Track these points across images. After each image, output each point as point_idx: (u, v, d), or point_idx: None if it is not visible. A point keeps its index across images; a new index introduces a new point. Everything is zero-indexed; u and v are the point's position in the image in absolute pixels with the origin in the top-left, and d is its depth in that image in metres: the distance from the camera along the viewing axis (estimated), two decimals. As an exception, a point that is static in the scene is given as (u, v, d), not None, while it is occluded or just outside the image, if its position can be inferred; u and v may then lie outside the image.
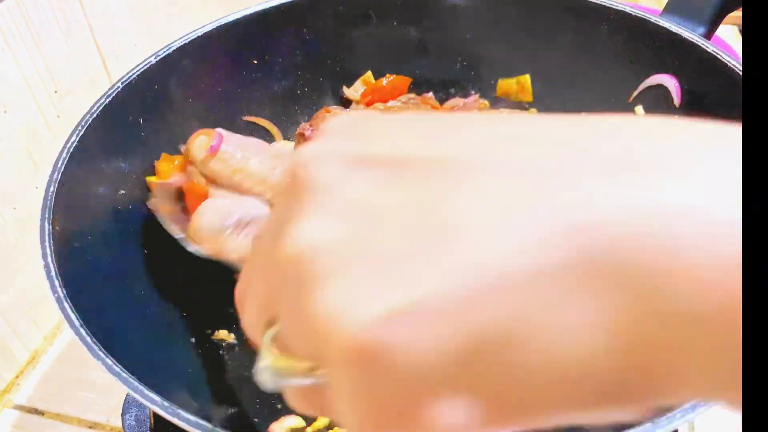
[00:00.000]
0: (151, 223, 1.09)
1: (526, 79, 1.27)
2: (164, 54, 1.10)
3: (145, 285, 0.99)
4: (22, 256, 1.16)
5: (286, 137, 1.31)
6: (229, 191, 1.00)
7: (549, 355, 0.27)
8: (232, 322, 1.04)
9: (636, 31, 1.12)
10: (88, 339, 0.73)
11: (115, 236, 0.99)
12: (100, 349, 0.72)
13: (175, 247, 1.11)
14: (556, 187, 0.27)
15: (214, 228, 0.96)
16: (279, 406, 0.92)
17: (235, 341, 1.03)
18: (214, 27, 1.16)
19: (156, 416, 0.87)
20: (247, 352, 1.00)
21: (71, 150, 0.94)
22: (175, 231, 1.00)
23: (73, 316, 0.75)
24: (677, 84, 1.09)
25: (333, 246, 0.29)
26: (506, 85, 1.29)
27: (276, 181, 0.98)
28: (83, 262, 0.89)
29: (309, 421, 0.89)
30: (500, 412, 0.29)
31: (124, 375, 0.70)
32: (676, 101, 1.09)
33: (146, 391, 0.69)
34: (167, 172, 1.11)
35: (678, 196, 0.26)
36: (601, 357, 0.27)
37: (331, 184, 0.31)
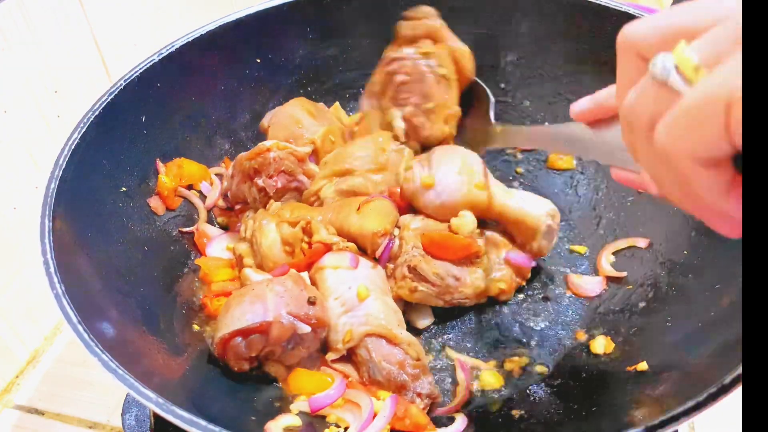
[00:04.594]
0: (151, 221, 1.09)
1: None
2: (167, 52, 1.10)
3: (144, 282, 0.99)
4: (23, 256, 1.16)
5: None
6: None
7: None
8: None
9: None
10: (86, 336, 0.73)
11: (116, 233, 0.99)
12: (97, 346, 0.72)
13: (175, 244, 1.11)
14: None
15: None
16: (276, 404, 0.92)
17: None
18: (217, 26, 1.16)
19: (156, 416, 0.87)
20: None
21: (73, 147, 0.94)
22: None
23: (71, 313, 0.75)
24: (680, 86, 1.08)
25: None
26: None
27: None
28: (83, 259, 0.89)
29: (305, 420, 0.89)
30: None
31: (121, 372, 0.70)
32: (679, 102, 1.08)
33: (142, 388, 0.69)
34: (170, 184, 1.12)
35: None
36: None
37: None
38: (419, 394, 0.91)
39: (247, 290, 0.95)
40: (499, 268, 1.05)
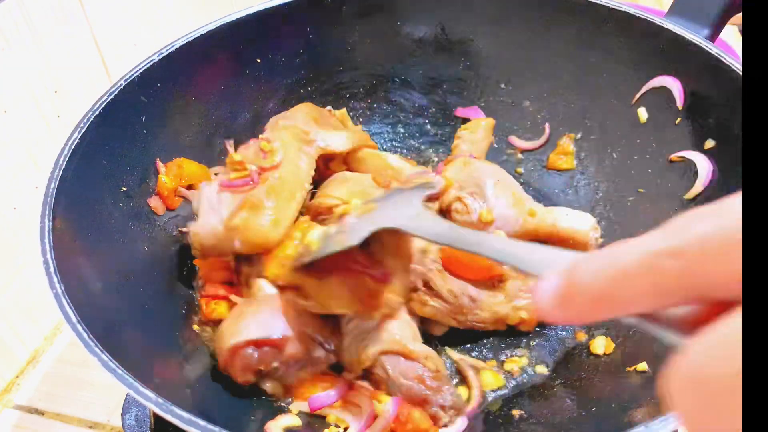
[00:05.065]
0: (151, 221, 1.09)
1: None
2: (167, 52, 1.10)
3: (144, 281, 0.99)
4: (23, 256, 1.16)
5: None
6: None
7: None
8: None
9: (640, 32, 1.12)
10: (85, 335, 0.73)
11: (116, 233, 0.99)
12: (96, 346, 0.72)
13: (175, 244, 1.11)
14: None
15: None
16: (276, 404, 0.92)
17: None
18: (217, 26, 1.16)
19: (156, 416, 0.87)
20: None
21: (73, 147, 0.94)
22: None
23: (70, 312, 0.75)
24: (680, 86, 1.08)
25: None
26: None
27: None
28: (83, 258, 0.89)
29: (305, 421, 0.89)
30: None
31: (120, 371, 0.70)
32: (679, 103, 1.08)
33: (141, 388, 0.69)
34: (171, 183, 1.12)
35: None
36: None
37: None
38: (443, 407, 0.89)
39: (266, 301, 0.94)
40: (524, 296, 1.00)
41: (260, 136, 1.04)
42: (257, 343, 0.88)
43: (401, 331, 0.94)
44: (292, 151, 1.02)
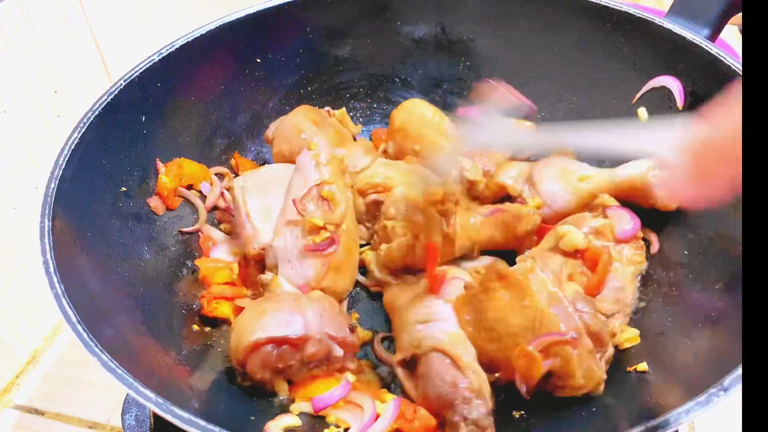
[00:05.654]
0: (151, 221, 1.09)
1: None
2: (167, 52, 1.10)
3: (144, 281, 0.99)
4: (23, 256, 1.16)
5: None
6: None
7: None
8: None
9: (640, 32, 1.12)
10: (85, 335, 0.73)
11: (116, 233, 0.99)
12: (96, 346, 0.72)
13: (175, 244, 1.11)
14: None
15: None
16: (276, 404, 0.92)
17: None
18: (217, 26, 1.16)
19: (156, 416, 0.87)
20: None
21: (73, 147, 0.94)
22: None
23: (70, 313, 0.75)
24: (680, 86, 1.08)
25: None
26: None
27: None
28: (83, 259, 0.89)
29: (306, 421, 0.89)
30: None
31: (120, 371, 0.70)
32: (679, 103, 1.08)
33: (141, 388, 0.69)
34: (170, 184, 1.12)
35: None
36: None
37: None
38: (465, 418, 0.85)
39: (286, 299, 0.94)
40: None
41: (315, 181, 1.08)
42: (278, 341, 0.88)
43: (462, 343, 0.92)
44: (344, 191, 1.10)
